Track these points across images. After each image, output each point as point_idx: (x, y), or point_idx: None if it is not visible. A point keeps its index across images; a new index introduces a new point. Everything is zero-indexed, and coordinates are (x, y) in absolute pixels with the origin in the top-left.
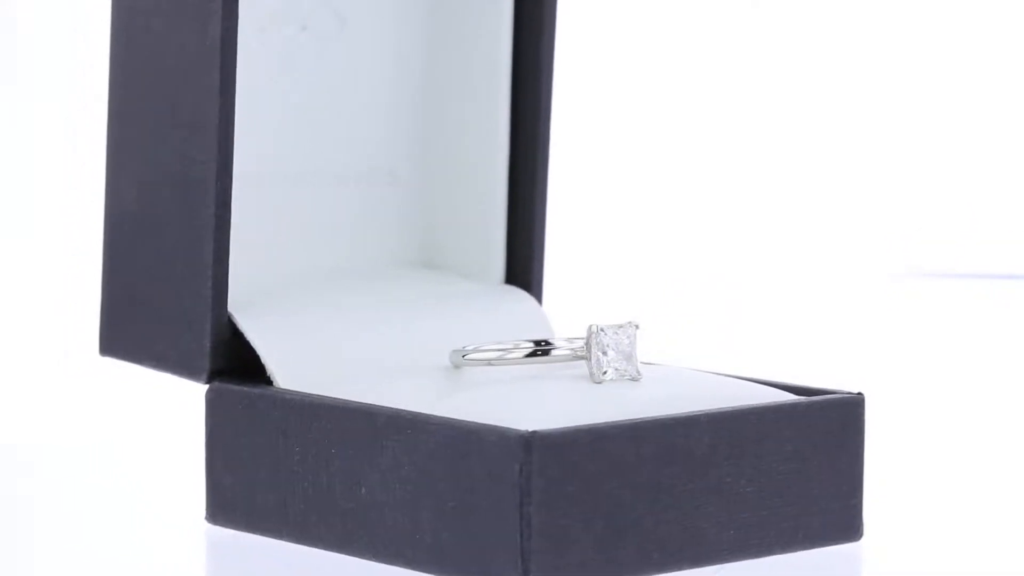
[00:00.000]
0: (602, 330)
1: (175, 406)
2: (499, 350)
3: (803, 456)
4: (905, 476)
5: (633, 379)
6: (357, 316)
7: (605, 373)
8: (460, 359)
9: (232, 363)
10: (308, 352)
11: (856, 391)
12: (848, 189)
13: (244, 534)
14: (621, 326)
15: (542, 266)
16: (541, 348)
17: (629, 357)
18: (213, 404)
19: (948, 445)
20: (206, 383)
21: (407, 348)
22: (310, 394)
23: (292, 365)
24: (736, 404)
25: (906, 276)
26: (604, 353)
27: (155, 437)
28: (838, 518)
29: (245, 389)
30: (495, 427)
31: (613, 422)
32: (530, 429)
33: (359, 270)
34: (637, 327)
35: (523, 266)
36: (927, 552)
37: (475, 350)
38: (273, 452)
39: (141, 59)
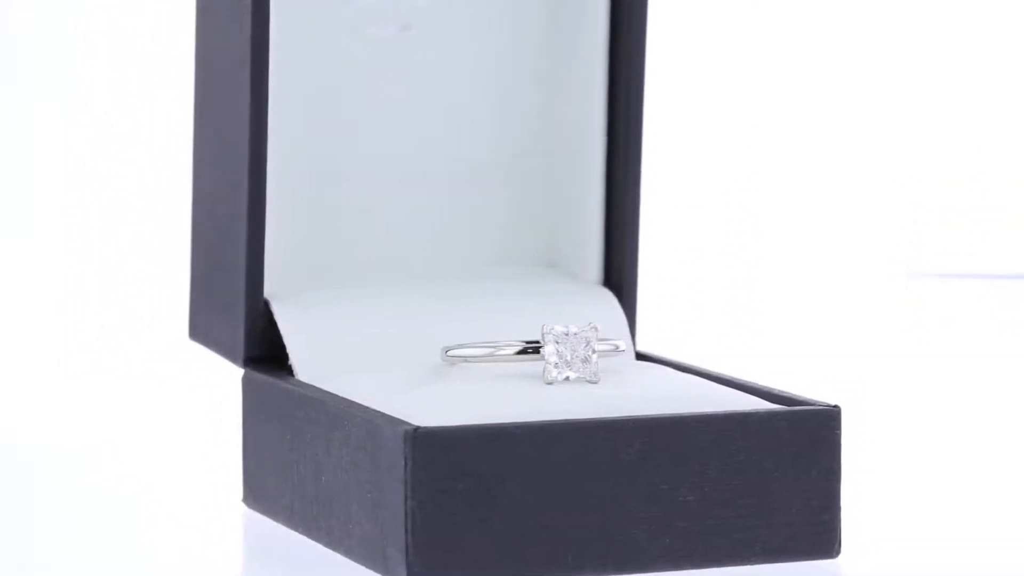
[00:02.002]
0: (554, 331)
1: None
2: (486, 348)
3: (761, 467)
4: (903, 485)
5: (590, 381)
6: (402, 311)
7: (556, 374)
8: (445, 355)
9: (274, 350)
10: (333, 343)
11: (832, 404)
12: (849, 189)
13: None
14: (579, 328)
15: (635, 268)
16: (531, 347)
17: (586, 359)
18: (245, 390)
19: (950, 451)
20: (242, 368)
21: (439, 344)
22: (299, 383)
23: (314, 355)
24: (687, 411)
25: (906, 276)
26: (557, 355)
27: (219, 421)
28: (807, 533)
29: (260, 376)
30: (398, 421)
31: (519, 422)
32: (422, 425)
33: (439, 267)
34: (596, 329)
35: (618, 268)
36: (912, 570)
37: (458, 347)
38: (275, 439)
39: (207, 57)
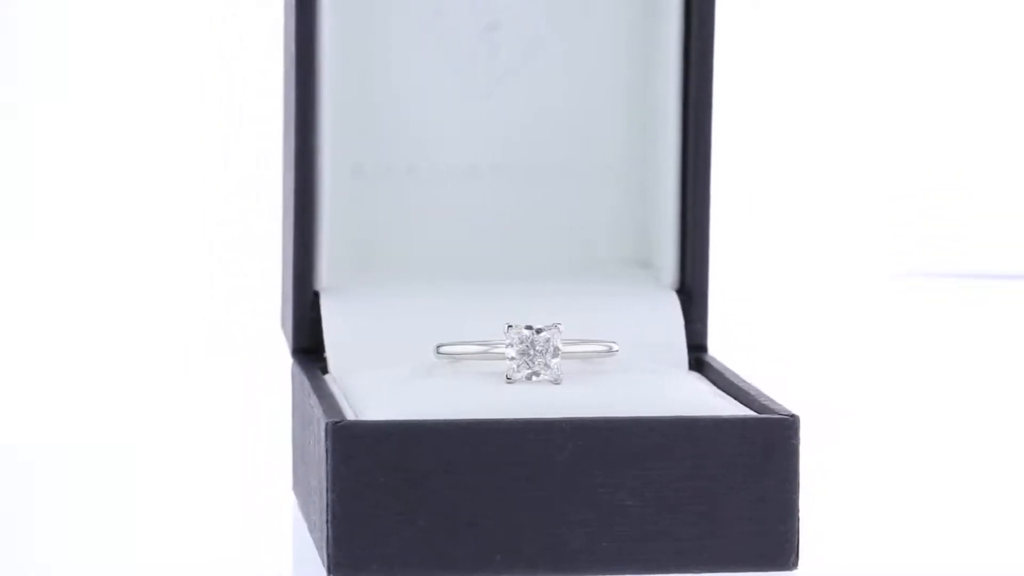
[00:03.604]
0: (517, 330)
1: None
2: (478, 346)
3: (709, 475)
4: (885, 495)
5: (554, 381)
6: (449, 308)
7: (517, 373)
8: (437, 352)
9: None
10: (370, 338)
11: (790, 413)
12: (848, 188)
13: None
14: (542, 327)
15: (706, 270)
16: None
17: (548, 359)
18: (292, 381)
19: (948, 454)
20: (291, 358)
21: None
22: (311, 375)
23: (349, 349)
24: (636, 414)
25: (906, 276)
26: (518, 353)
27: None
28: (761, 544)
29: (296, 368)
30: (335, 415)
31: (447, 419)
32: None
33: (506, 266)
34: (559, 328)
35: (691, 271)
36: None
37: (450, 344)
38: (299, 430)
39: (285, 55)
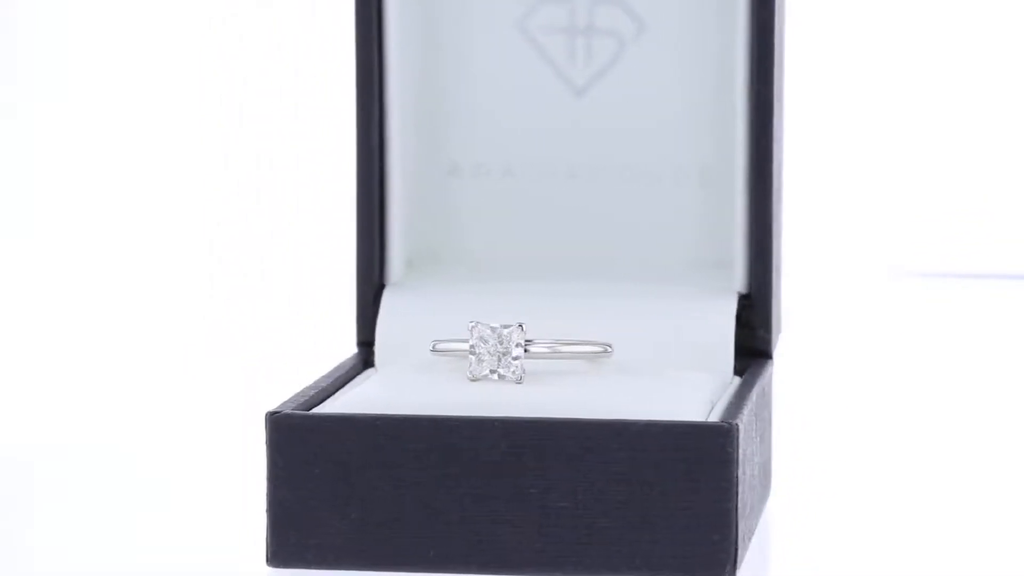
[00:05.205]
0: (479, 329)
1: None
2: (467, 344)
3: (641, 480)
4: (894, 494)
5: (518, 380)
6: (511, 306)
7: (478, 371)
8: (433, 349)
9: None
10: (422, 334)
11: (727, 421)
12: (848, 187)
13: None
14: (506, 326)
15: (768, 274)
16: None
17: (510, 359)
18: None
19: (947, 454)
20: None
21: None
22: (336, 368)
23: (397, 343)
24: (580, 416)
25: (904, 276)
26: (481, 352)
27: None
28: (696, 552)
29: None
30: (298, 404)
31: (378, 414)
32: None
33: (579, 268)
34: (522, 327)
35: (757, 278)
36: None
37: (445, 342)
38: None
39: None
